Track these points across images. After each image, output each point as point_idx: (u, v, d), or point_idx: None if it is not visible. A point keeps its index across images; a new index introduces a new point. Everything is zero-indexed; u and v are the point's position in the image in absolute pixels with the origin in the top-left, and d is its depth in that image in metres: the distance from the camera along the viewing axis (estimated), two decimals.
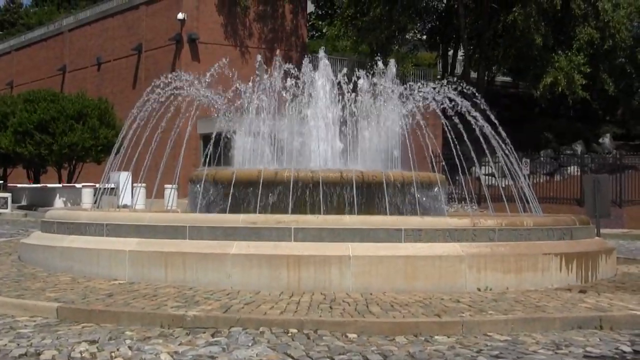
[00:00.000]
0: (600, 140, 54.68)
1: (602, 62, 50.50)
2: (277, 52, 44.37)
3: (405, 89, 20.67)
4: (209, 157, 19.75)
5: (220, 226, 13.95)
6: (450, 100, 20.13)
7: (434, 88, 20.33)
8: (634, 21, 50.43)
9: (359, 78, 20.68)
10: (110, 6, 62.39)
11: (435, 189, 17.90)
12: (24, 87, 64.18)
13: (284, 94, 20.15)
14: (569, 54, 48.02)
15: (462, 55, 56.79)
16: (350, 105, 19.86)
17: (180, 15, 51.72)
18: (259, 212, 15.17)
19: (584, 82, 47.26)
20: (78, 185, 42.03)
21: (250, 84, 20.66)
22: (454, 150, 19.19)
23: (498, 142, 19.98)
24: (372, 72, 20.93)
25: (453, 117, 20.08)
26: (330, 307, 11.28)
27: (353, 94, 20.07)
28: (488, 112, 21.21)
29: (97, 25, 62.60)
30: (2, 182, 46.75)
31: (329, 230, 13.54)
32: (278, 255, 13.21)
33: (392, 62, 22.13)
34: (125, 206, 28.99)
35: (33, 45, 73.91)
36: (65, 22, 69.65)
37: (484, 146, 20.06)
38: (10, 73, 76.38)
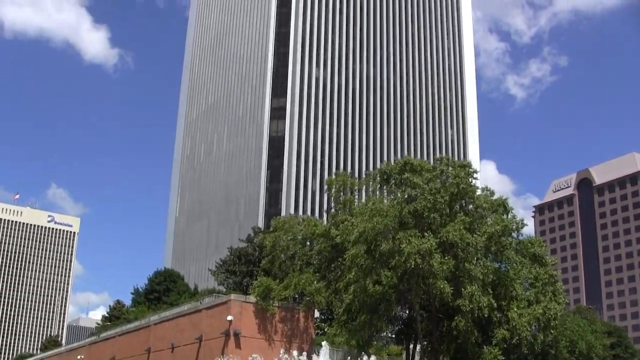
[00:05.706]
0: None
1: (512, 353, 49.62)
2: (294, 345, 43.80)
3: None
4: None
5: None
6: None
7: None
8: (532, 325, 49.92)
9: None
10: (182, 309, 62.65)
11: None
12: None
13: None
14: (490, 347, 47.42)
15: (419, 349, 55.81)
16: None
17: (229, 317, 51.51)
18: None
19: None
20: None
21: None
22: None
23: None
24: None
25: None
26: None
27: None
28: None
29: (172, 322, 61.90)
30: None
31: None
32: None
33: (373, 357, 21.73)
34: None
35: (130, 333, 72.78)
36: (151, 319, 69.04)
37: None
38: (113, 351, 74.45)
